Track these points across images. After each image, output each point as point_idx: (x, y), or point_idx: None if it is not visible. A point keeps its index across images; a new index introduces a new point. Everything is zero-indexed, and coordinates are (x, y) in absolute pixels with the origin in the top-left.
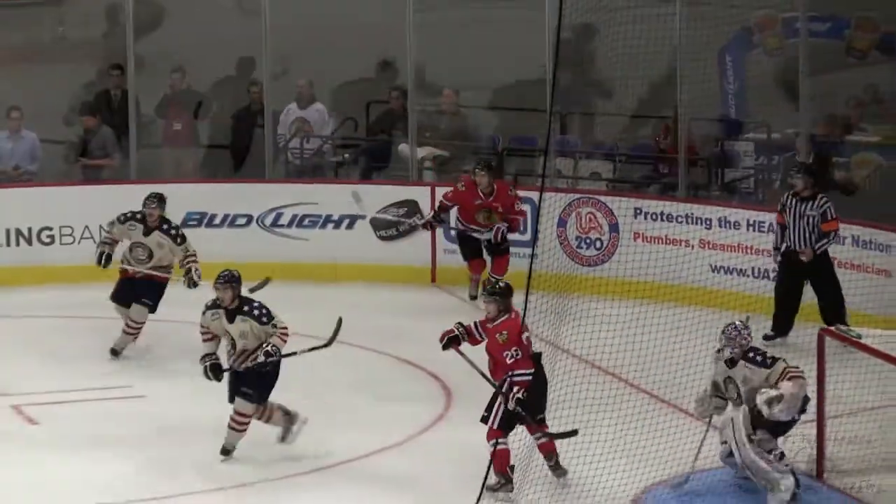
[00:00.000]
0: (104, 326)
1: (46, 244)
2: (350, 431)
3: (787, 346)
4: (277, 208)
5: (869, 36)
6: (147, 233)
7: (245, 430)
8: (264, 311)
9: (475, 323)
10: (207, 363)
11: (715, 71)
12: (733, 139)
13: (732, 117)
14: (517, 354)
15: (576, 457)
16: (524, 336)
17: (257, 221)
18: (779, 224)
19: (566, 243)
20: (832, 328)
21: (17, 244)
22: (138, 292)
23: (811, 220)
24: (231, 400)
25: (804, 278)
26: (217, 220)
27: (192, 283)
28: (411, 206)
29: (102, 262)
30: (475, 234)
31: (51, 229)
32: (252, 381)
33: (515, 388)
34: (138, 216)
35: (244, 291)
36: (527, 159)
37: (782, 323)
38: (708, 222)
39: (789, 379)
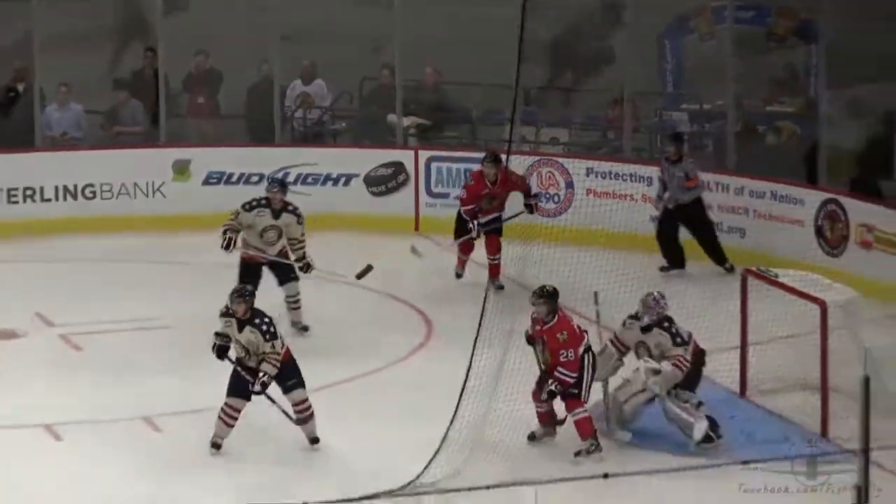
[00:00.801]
0: (137, 267)
1: (89, 199)
2: (334, 357)
3: (683, 277)
4: (285, 168)
5: (788, 23)
6: (276, 215)
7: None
8: (271, 329)
9: (527, 331)
10: (218, 342)
11: (655, 52)
12: (671, 110)
13: (670, 91)
14: (571, 356)
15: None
16: (576, 326)
17: (268, 179)
18: (661, 180)
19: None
20: (753, 269)
21: (65, 199)
22: (279, 275)
23: (679, 178)
24: (231, 393)
25: (678, 224)
26: (234, 179)
27: (308, 268)
28: (398, 167)
29: (229, 246)
30: (480, 218)
31: (93, 186)
32: (290, 372)
33: (550, 381)
34: (263, 202)
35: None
36: (496, 128)
37: (674, 258)
38: (649, 180)
39: (674, 364)
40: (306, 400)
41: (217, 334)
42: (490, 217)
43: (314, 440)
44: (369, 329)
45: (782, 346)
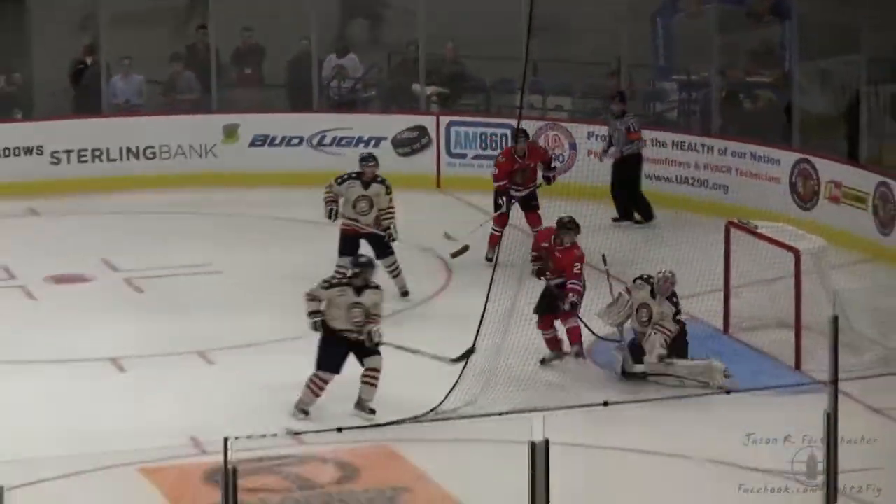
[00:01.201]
0: (191, 218)
1: (150, 159)
2: None
3: (651, 228)
4: (322, 132)
5: (765, 2)
6: (366, 185)
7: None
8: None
9: (533, 252)
10: (317, 319)
11: (649, 29)
12: (662, 80)
13: (661, 64)
14: (579, 269)
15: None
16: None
17: (307, 142)
18: (608, 136)
19: None
20: (735, 221)
21: (128, 159)
22: (376, 249)
23: (621, 132)
24: (322, 367)
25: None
26: (277, 141)
27: (391, 238)
28: (421, 130)
29: (332, 216)
30: (514, 192)
31: (152, 147)
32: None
33: (571, 294)
34: (353, 175)
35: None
36: (508, 95)
37: (628, 210)
38: (644, 142)
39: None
40: (379, 370)
41: (312, 313)
42: (526, 192)
43: (371, 410)
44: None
45: (760, 289)
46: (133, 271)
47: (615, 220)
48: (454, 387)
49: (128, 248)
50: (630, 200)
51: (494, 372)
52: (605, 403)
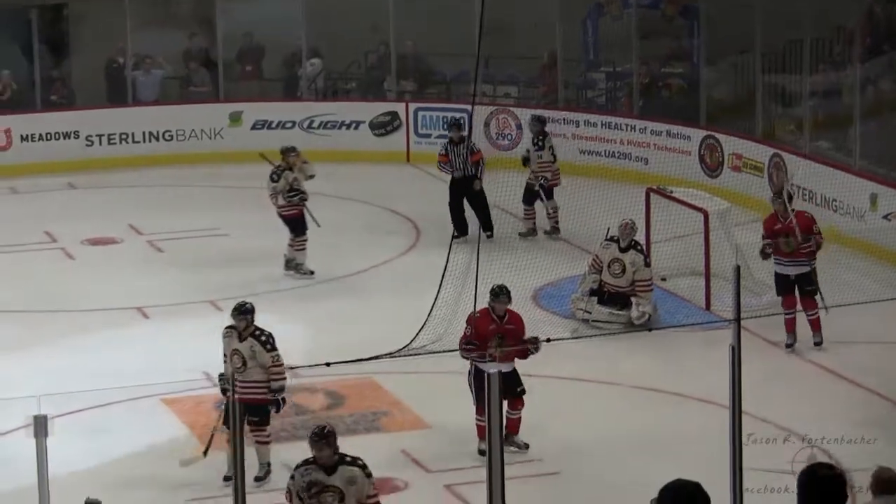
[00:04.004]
0: (203, 190)
1: (168, 140)
2: (346, 258)
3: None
4: (310, 117)
5: (675, 7)
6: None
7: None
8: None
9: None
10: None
11: (580, 29)
12: (592, 71)
13: (591, 58)
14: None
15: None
16: None
17: (299, 125)
18: (445, 162)
19: (490, 137)
20: (654, 187)
21: (150, 141)
22: None
23: (463, 156)
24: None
25: (462, 195)
26: (274, 125)
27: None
28: (393, 115)
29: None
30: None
31: (170, 131)
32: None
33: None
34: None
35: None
36: (464, 85)
37: (459, 226)
38: (577, 122)
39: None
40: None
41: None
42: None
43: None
44: (370, 234)
45: (676, 244)
46: (155, 234)
47: (455, 237)
48: (422, 327)
49: (150, 215)
50: (483, 214)
51: (455, 315)
52: (548, 340)
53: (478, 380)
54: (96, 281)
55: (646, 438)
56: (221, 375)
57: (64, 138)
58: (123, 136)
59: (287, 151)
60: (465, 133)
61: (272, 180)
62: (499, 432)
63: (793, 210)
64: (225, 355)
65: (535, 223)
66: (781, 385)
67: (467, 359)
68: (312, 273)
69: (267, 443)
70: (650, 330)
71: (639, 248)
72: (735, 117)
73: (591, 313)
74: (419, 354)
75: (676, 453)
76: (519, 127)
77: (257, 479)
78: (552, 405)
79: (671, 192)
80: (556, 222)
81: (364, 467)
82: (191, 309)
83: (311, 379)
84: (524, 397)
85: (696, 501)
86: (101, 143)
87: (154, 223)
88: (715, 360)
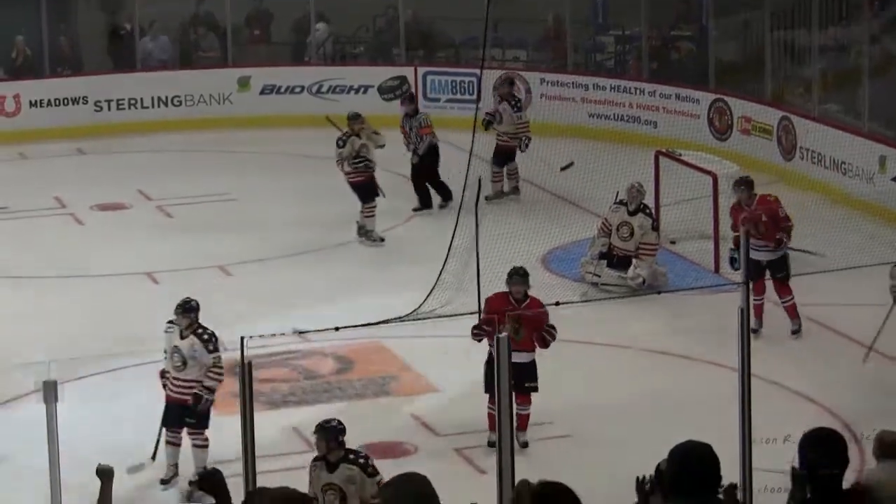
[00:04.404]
0: (211, 155)
1: (176, 106)
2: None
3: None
4: (319, 81)
5: None
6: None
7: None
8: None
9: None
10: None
11: None
12: (601, 34)
13: (600, 21)
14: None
15: None
16: None
17: (307, 90)
18: (403, 133)
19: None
20: (663, 150)
21: (159, 106)
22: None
23: (415, 129)
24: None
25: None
26: (282, 90)
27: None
28: (402, 79)
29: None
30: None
31: (179, 96)
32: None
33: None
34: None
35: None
36: (473, 49)
37: (443, 192)
38: (586, 86)
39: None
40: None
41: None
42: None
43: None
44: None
45: (685, 207)
46: (164, 199)
47: (415, 209)
48: (431, 292)
49: (159, 180)
50: (431, 188)
51: (463, 281)
52: (557, 303)
53: (492, 368)
54: (106, 246)
55: (656, 401)
56: (164, 372)
57: (73, 104)
58: (132, 102)
59: (352, 118)
60: (416, 105)
61: (338, 146)
62: (508, 395)
63: (755, 195)
64: (165, 351)
65: (502, 186)
66: (794, 346)
67: (478, 340)
68: (383, 240)
69: (205, 447)
70: (659, 293)
71: (647, 211)
72: (744, 78)
73: (600, 276)
74: (428, 318)
75: (686, 415)
76: (528, 90)
77: (163, 481)
78: (562, 368)
79: (680, 155)
80: (518, 181)
81: (366, 466)
82: (200, 274)
83: (320, 343)
84: (532, 396)
85: (706, 463)
86: (109, 109)
87: (163, 188)
88: (724, 322)
